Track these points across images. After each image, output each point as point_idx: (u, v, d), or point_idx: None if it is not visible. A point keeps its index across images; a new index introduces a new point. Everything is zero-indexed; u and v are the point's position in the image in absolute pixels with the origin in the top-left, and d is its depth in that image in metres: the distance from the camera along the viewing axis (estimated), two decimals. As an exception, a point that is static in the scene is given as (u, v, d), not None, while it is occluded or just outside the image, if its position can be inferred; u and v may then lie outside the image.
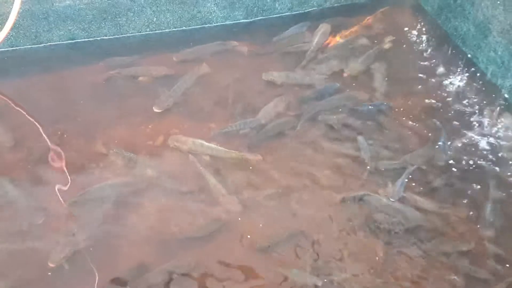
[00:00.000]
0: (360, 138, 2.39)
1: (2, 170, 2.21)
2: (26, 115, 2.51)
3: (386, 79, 2.70)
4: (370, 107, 2.55)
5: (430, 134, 2.38)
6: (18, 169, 2.21)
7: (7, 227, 2.03)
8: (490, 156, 2.27)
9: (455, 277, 1.85)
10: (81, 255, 1.90)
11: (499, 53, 2.58)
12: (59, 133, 2.36)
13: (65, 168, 2.22)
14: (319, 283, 1.81)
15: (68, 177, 2.18)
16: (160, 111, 2.49)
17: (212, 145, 2.35)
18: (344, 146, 2.35)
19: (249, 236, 1.97)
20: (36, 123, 2.45)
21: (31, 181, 2.19)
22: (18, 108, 2.56)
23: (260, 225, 2.02)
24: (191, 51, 2.86)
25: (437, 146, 2.29)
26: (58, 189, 2.12)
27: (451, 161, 2.25)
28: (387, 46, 2.94)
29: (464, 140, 2.36)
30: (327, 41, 2.93)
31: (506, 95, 2.54)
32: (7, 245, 1.98)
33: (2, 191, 2.11)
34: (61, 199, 2.08)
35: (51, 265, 1.90)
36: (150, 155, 2.29)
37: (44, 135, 2.37)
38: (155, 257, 1.91)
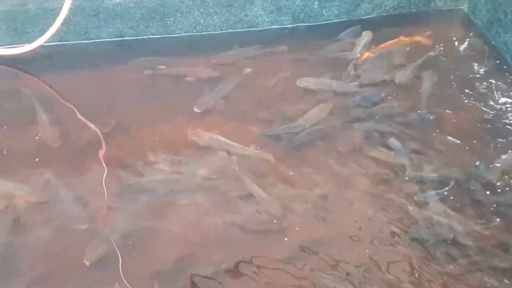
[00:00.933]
0: (393, 140, 2.39)
1: (48, 163, 2.28)
2: (75, 110, 2.57)
3: (433, 90, 2.68)
4: (415, 116, 2.53)
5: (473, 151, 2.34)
6: (63, 163, 2.28)
7: (49, 219, 2.09)
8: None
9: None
10: (120, 249, 1.93)
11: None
12: (105, 130, 2.41)
13: (103, 161, 2.28)
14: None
15: (106, 169, 2.23)
16: (200, 111, 2.53)
17: (228, 141, 2.40)
18: (383, 154, 2.34)
19: (286, 239, 2.00)
20: (82, 118, 2.51)
21: (75, 175, 2.25)
22: (65, 102, 2.64)
23: (297, 228, 2.04)
24: (230, 54, 2.90)
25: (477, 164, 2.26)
26: (102, 183, 2.17)
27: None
28: (434, 56, 2.90)
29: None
30: (371, 50, 2.93)
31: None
32: (48, 237, 2.04)
33: (48, 185, 2.17)
34: (105, 191, 2.13)
35: (86, 262, 1.94)
36: (192, 156, 2.33)
37: (91, 127, 2.43)
38: (196, 255, 1.95)
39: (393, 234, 2.03)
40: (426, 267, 1.91)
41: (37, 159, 2.28)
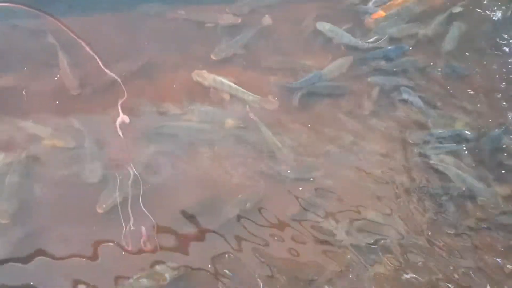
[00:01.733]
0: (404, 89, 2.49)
1: (68, 107, 2.35)
2: (95, 56, 2.58)
3: (458, 44, 2.72)
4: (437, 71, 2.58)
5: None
6: (83, 108, 2.35)
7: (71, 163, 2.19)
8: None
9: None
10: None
11: None
12: (123, 73, 2.44)
13: (120, 109, 2.33)
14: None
15: (124, 116, 2.29)
16: (217, 59, 2.56)
17: (232, 84, 2.48)
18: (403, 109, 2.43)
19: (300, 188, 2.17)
20: (101, 63, 2.53)
21: (95, 120, 2.32)
22: (86, 46, 2.62)
23: (311, 179, 2.21)
24: (247, 2, 2.87)
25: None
26: (120, 127, 2.24)
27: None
28: (457, 10, 2.90)
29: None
30: (384, 7, 2.92)
31: None
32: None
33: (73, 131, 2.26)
34: (121, 135, 2.20)
35: (99, 210, 2.04)
36: (207, 102, 2.41)
37: (109, 73, 2.47)
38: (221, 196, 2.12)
39: (405, 188, 2.18)
40: (437, 221, 2.08)
41: (57, 102, 2.34)
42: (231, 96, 2.43)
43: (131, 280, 1.88)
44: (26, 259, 1.97)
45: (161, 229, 2.02)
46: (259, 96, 2.41)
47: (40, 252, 1.98)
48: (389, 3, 3.06)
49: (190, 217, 2.09)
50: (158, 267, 1.93)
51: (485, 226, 2.11)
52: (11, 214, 2.02)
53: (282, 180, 2.20)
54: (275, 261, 2.00)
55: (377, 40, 2.73)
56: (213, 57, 2.56)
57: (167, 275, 1.88)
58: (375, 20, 2.96)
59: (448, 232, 2.13)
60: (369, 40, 2.74)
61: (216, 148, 2.28)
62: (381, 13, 2.98)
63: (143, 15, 2.79)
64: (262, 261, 2.00)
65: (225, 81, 2.46)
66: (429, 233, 2.12)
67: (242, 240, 2.04)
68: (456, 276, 2.02)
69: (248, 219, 2.09)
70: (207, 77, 2.47)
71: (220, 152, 2.26)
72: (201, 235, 2.04)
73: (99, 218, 2.01)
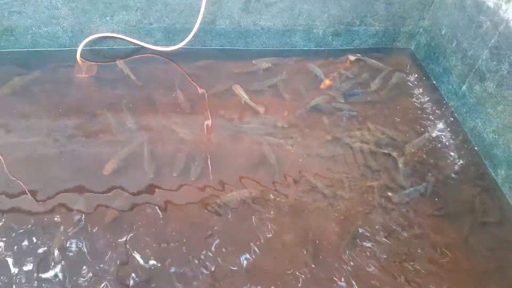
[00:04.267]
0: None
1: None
2: (196, 86, 4.33)
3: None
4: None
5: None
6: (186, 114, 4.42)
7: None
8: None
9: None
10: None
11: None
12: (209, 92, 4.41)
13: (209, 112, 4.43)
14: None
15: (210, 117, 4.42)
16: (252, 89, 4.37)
17: (243, 94, 4.16)
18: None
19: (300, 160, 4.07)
20: (201, 90, 4.41)
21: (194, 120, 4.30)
22: (192, 82, 4.33)
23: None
24: (265, 60, 4.62)
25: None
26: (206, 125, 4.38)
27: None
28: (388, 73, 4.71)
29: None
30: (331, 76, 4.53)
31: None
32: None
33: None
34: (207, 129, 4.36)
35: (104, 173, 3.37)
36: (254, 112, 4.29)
37: (205, 97, 4.39)
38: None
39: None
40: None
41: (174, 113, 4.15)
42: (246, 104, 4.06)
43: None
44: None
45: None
46: (253, 103, 4.04)
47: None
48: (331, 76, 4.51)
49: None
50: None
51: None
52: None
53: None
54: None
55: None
56: (250, 89, 4.24)
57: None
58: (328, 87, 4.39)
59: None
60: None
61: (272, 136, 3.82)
62: (327, 82, 4.45)
63: (223, 67, 4.54)
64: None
65: (243, 93, 4.14)
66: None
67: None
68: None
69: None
70: (239, 91, 4.13)
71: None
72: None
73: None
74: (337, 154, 3.84)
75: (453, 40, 4.47)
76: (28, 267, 2.88)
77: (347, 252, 3.08)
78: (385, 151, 3.84)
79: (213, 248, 3.05)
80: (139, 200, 3.27)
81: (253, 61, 4.65)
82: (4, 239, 3.03)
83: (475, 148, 4.09)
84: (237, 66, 4.61)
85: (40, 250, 2.98)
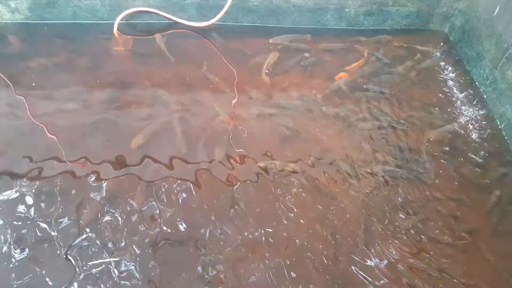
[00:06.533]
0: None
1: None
2: (225, 61, 4.52)
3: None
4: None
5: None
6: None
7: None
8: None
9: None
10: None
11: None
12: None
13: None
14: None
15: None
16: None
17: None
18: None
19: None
20: (229, 64, 4.70)
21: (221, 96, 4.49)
22: (222, 56, 4.52)
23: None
24: (282, 37, 4.72)
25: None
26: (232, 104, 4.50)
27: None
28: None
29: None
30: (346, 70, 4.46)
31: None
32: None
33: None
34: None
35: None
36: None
37: (232, 71, 4.51)
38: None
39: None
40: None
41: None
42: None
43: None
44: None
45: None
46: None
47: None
48: (351, 66, 4.44)
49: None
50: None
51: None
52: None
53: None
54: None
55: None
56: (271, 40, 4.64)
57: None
58: (341, 79, 4.30)
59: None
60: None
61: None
62: (343, 74, 4.36)
63: (251, 43, 4.70)
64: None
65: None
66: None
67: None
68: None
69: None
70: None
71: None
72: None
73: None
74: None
75: (488, 24, 4.40)
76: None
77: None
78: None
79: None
80: (166, 173, 3.45)
81: (270, 40, 4.74)
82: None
83: (503, 133, 4.06)
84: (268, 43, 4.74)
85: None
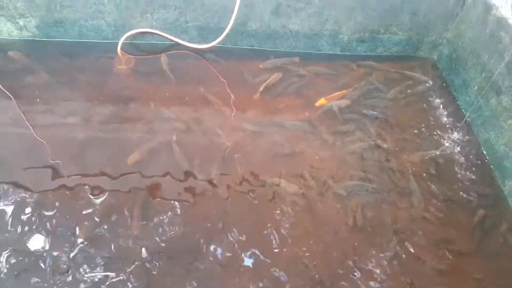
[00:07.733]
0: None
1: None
2: (224, 81, 4.75)
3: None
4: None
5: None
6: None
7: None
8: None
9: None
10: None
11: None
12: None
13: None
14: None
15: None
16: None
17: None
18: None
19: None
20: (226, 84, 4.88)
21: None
22: (219, 76, 4.73)
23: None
24: (271, 61, 4.81)
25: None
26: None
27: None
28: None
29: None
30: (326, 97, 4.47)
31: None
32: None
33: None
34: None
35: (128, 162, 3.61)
36: None
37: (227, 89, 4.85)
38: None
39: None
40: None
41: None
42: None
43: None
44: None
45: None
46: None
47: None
48: (332, 95, 4.51)
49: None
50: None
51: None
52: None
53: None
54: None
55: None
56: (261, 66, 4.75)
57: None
58: (321, 106, 4.39)
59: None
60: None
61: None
62: (323, 101, 4.43)
63: (249, 65, 4.83)
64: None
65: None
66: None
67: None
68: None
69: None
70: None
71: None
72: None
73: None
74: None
75: (474, 53, 4.63)
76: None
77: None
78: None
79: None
80: (161, 189, 3.54)
81: (260, 65, 4.86)
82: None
83: (487, 158, 4.24)
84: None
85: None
